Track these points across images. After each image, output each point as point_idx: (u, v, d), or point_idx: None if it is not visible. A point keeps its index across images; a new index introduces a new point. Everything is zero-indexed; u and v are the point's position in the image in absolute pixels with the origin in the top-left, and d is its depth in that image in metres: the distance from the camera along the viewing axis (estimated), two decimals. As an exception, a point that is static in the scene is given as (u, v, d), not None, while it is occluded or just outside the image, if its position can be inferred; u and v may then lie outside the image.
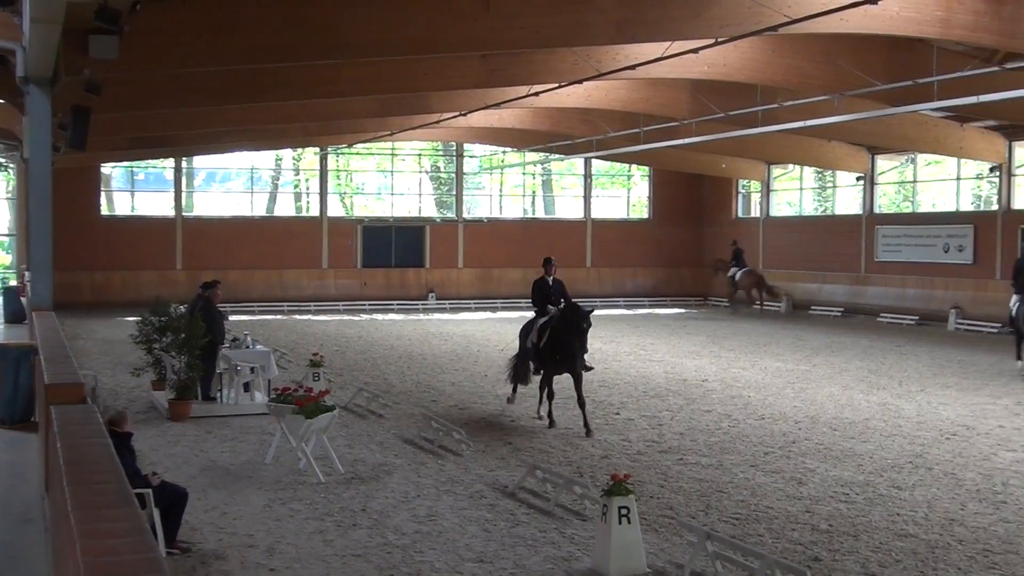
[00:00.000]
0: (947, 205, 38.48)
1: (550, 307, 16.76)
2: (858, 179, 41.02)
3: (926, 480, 12.75)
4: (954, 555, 9.77)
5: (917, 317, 35.91)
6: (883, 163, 40.58)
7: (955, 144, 34.87)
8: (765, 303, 40.20)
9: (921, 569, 9.37)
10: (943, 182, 39.03)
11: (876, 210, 40.52)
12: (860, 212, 40.89)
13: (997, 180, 35.73)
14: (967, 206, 37.90)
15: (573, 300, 17.17)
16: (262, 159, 45.68)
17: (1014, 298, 24.64)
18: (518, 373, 17.39)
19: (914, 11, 19.73)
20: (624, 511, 9.09)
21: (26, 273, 30.22)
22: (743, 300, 38.75)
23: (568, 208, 48.74)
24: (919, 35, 20.85)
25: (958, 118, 33.54)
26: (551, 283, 17.21)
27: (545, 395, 16.52)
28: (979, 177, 37.33)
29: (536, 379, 17.11)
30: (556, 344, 15.89)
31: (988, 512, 11.35)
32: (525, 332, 17.27)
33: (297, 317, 37.60)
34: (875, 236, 39.82)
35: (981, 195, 37.61)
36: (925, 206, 39.77)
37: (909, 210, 40.10)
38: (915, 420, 17.04)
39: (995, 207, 35.79)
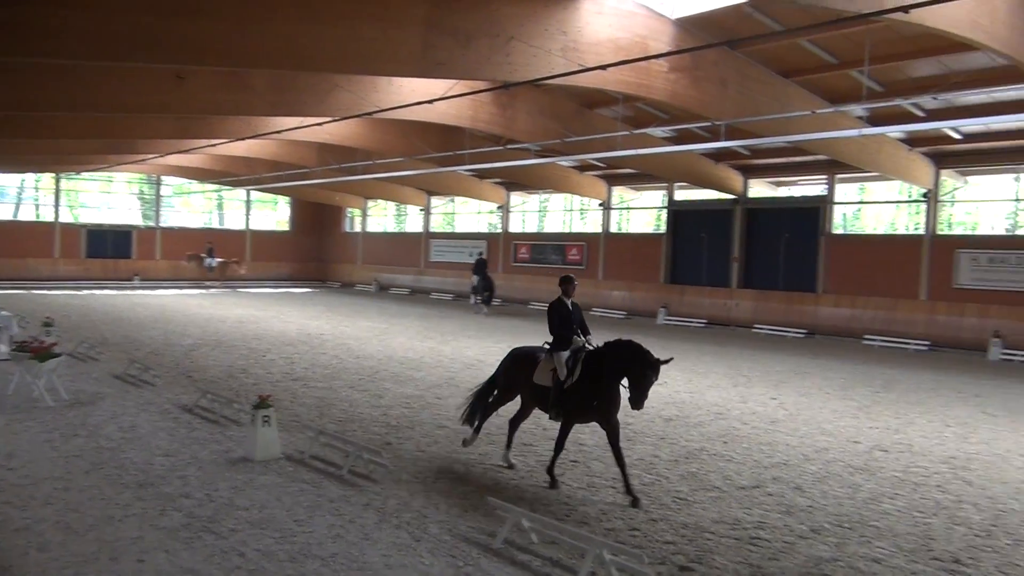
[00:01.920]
0: (478, 228, 40.36)
1: (578, 339, 8.67)
2: (421, 210, 42.18)
3: (455, 394, 13.18)
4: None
5: (452, 295, 37.43)
6: (435, 200, 41.91)
7: (476, 191, 36.76)
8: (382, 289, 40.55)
9: (455, 443, 9.85)
10: (475, 214, 40.81)
11: (430, 229, 41.92)
12: (420, 231, 42.24)
13: (501, 216, 37.96)
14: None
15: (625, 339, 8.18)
16: (10, 179, 40.81)
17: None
18: (474, 411, 9.35)
19: (455, 110, 20.53)
20: (266, 418, 8.94)
21: None
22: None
23: (234, 221, 46.66)
24: (458, 124, 21.68)
25: (479, 176, 35.37)
26: (571, 307, 8.80)
27: (556, 447, 8.42)
28: (490, 212, 39.33)
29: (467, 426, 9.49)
30: (595, 387, 8.10)
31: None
32: (517, 364, 9.01)
33: (35, 292, 33.52)
34: (428, 245, 41.31)
35: (493, 222, 39.49)
36: (460, 227, 41.40)
37: (450, 230, 41.70)
38: (450, 357, 17.73)
39: (499, 230, 38.01)
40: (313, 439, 9.22)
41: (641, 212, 34.13)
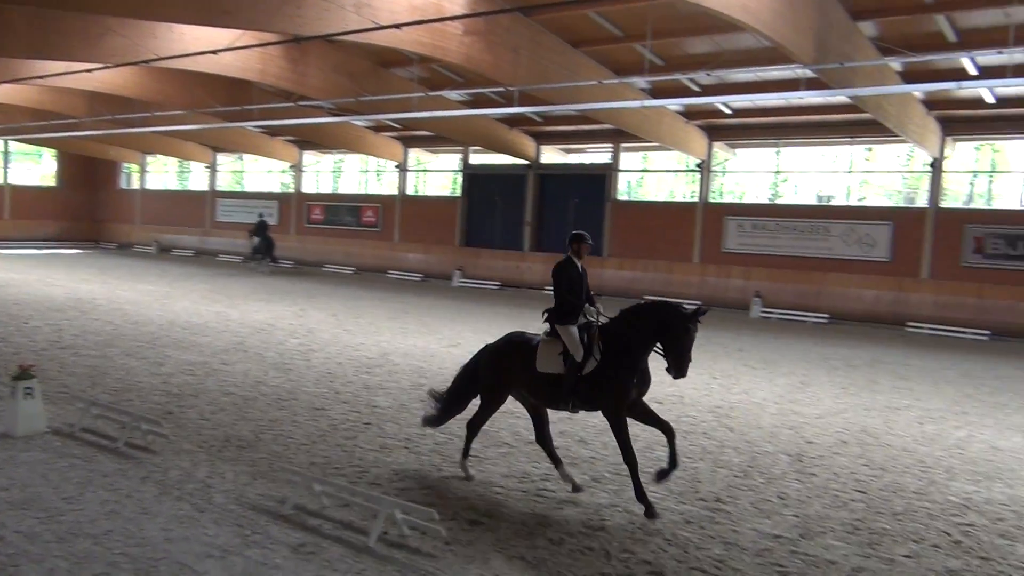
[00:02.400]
0: (267, 187, 38.79)
1: (592, 307, 7.08)
2: (206, 167, 39.98)
3: (243, 359, 12.83)
4: (258, 403, 10.01)
5: (242, 257, 35.89)
6: (222, 158, 39.79)
7: (266, 149, 35.25)
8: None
9: (243, 409, 9.50)
10: (259, 172, 39.15)
11: (216, 187, 39.79)
12: (206, 189, 40.02)
13: (293, 176, 36.73)
14: (277, 188, 38.46)
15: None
16: None
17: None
18: (446, 414, 7.65)
19: (242, 62, 19.52)
20: (28, 390, 8.19)
21: None
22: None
23: (-10, 174, 41.89)
24: (245, 77, 20.63)
25: (269, 133, 33.91)
26: (581, 270, 7.24)
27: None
28: (282, 171, 37.93)
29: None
30: (629, 365, 6.69)
31: (280, 375, 11.72)
32: (513, 354, 7.19)
33: None
34: (215, 204, 39.24)
35: (285, 181, 38.15)
36: (250, 186, 39.62)
37: (239, 189, 39.78)
38: (238, 321, 17.04)
39: (291, 192, 36.79)
40: (84, 411, 8.56)
41: (437, 175, 34.21)
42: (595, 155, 30.13)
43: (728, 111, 24.68)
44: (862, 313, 23.52)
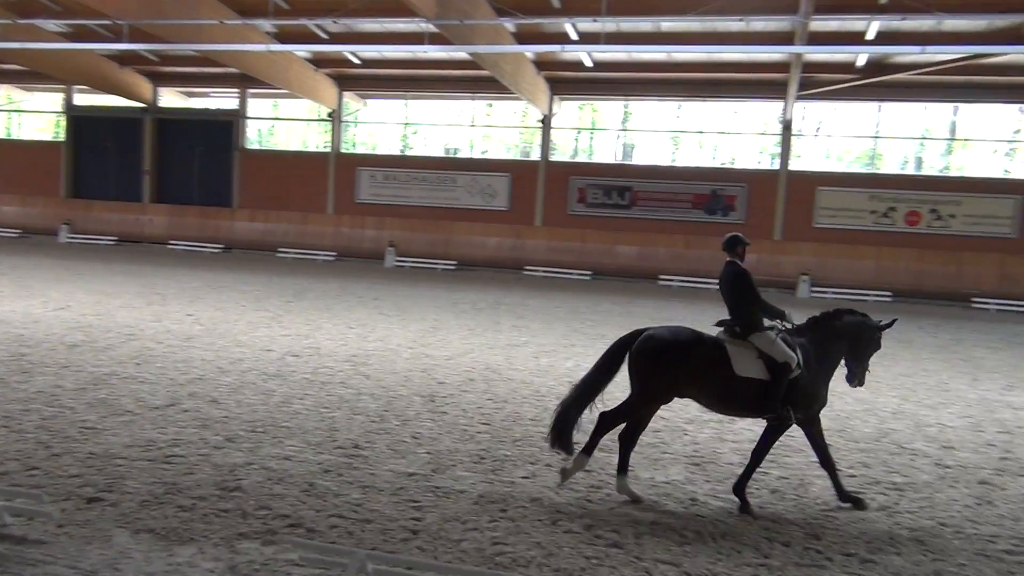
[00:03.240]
0: None
1: (787, 311, 6.49)
2: None
3: None
4: None
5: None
6: None
7: None
8: None
9: None
10: None
11: None
12: None
13: None
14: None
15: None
16: None
17: None
18: (566, 429, 6.23)
19: None
20: None
21: None
22: None
23: None
24: None
25: None
26: None
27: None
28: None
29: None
30: (826, 372, 6.40)
31: None
32: (697, 354, 6.15)
33: None
34: None
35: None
36: None
37: None
38: None
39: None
40: None
41: (35, 116, 30.06)
42: (221, 100, 28.54)
43: (357, 61, 24.74)
44: (486, 259, 25.26)
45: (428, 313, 15.56)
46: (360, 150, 27.69)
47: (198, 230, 26.70)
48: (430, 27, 17.54)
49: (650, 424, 6.76)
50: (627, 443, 6.33)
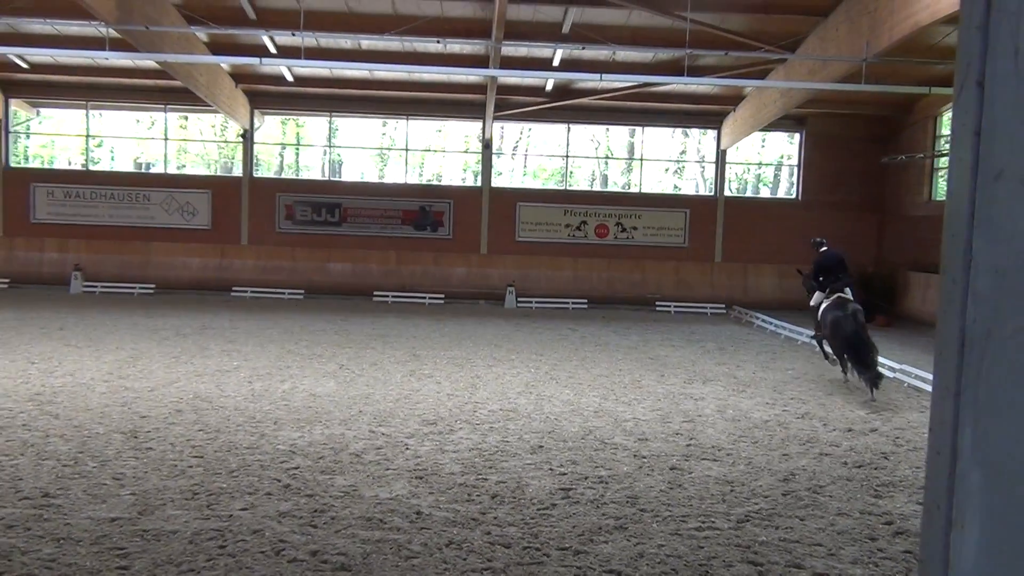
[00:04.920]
0: None
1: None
2: None
3: None
4: None
5: None
6: None
7: None
8: None
9: None
10: None
11: None
12: None
13: None
14: None
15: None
16: None
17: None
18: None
19: None
20: None
21: None
22: None
23: None
24: None
25: None
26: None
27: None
28: None
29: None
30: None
31: None
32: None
33: None
34: None
35: None
36: None
37: None
38: None
39: None
40: None
41: None
42: None
43: (25, 65, 22.25)
44: (189, 281, 23.81)
45: (125, 342, 14.32)
46: (35, 164, 24.88)
47: None
48: (111, 32, 16.20)
49: (372, 441, 6.84)
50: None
